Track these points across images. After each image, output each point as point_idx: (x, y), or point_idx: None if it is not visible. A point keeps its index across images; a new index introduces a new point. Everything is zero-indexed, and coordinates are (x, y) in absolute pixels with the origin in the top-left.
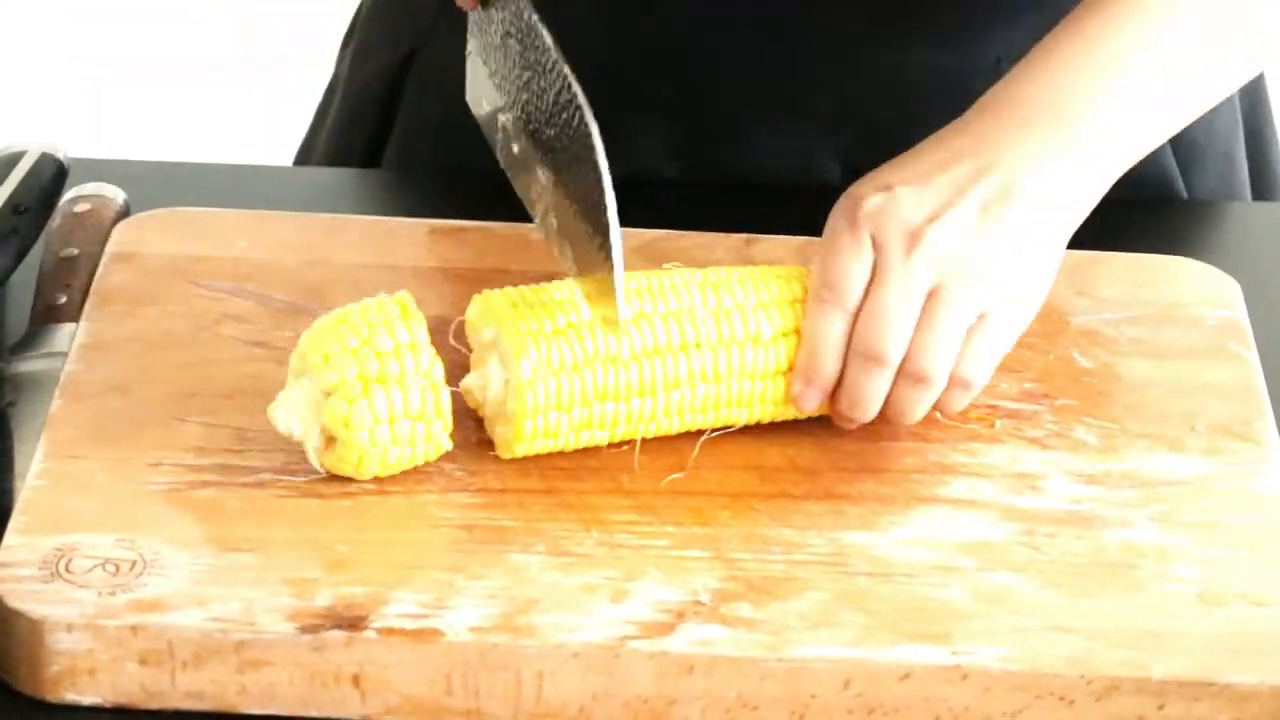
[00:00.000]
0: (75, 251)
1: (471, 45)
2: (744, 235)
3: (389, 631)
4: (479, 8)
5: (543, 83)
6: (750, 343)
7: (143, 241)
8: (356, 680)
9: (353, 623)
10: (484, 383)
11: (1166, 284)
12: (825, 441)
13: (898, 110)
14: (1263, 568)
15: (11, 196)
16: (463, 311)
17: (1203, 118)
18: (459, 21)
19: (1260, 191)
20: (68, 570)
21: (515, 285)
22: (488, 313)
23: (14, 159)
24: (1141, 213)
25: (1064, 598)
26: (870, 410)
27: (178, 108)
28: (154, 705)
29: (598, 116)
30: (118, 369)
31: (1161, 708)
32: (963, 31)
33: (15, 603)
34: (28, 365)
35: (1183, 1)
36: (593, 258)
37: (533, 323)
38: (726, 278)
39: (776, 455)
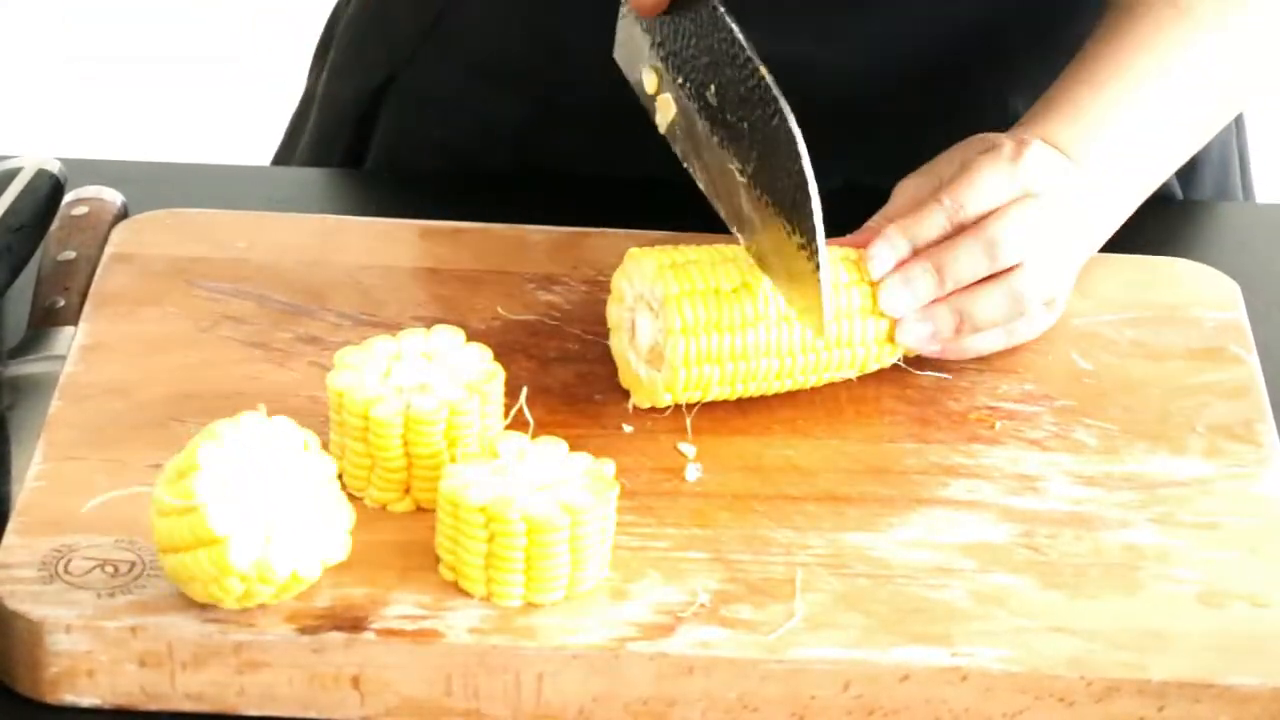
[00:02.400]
0: (73, 255)
1: (625, 7)
2: None
3: (388, 633)
4: None
5: (730, 73)
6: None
7: (141, 243)
8: (356, 681)
9: (352, 624)
10: (629, 332)
11: (1166, 285)
12: (825, 442)
13: (903, 133)
14: (1263, 569)
15: (6, 214)
16: (459, 313)
17: None
18: (439, 50)
19: (1245, 192)
20: (67, 571)
21: (514, 286)
22: (641, 271)
23: (10, 175)
24: (1141, 214)
25: (1064, 599)
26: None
27: (177, 108)
28: (153, 707)
29: (605, 131)
30: (117, 370)
31: (1162, 709)
32: (965, 69)
33: (14, 604)
34: (26, 368)
35: (1194, 46)
36: (787, 253)
37: (685, 282)
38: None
39: (776, 456)
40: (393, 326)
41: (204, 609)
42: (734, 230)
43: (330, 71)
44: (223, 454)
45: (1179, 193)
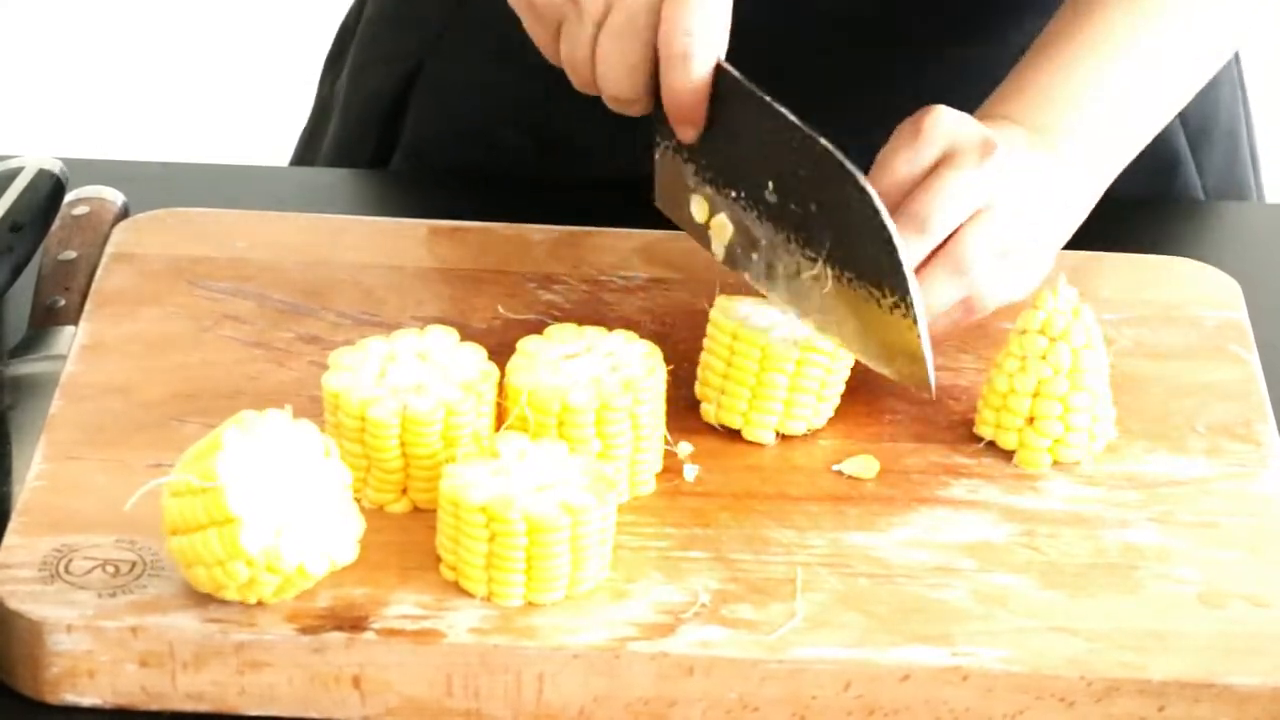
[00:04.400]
0: (74, 254)
1: (660, 149)
2: None
3: (389, 633)
4: None
5: (789, 159)
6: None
7: (142, 243)
8: (357, 681)
9: (353, 624)
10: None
11: (1167, 284)
12: (825, 442)
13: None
14: (1263, 569)
15: (7, 214)
16: (460, 313)
17: (1208, 97)
18: (466, 35)
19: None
20: (67, 571)
21: (515, 286)
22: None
23: (11, 175)
24: (1141, 212)
25: (1064, 599)
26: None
27: (177, 108)
28: (154, 706)
29: (610, 125)
30: (117, 370)
31: (1162, 709)
32: (989, 25)
33: (15, 604)
34: (26, 368)
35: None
36: (881, 322)
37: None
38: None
39: (776, 456)
40: (393, 326)
41: (205, 609)
42: (819, 333)
43: (351, 73)
44: (247, 441)
45: (1193, 169)
